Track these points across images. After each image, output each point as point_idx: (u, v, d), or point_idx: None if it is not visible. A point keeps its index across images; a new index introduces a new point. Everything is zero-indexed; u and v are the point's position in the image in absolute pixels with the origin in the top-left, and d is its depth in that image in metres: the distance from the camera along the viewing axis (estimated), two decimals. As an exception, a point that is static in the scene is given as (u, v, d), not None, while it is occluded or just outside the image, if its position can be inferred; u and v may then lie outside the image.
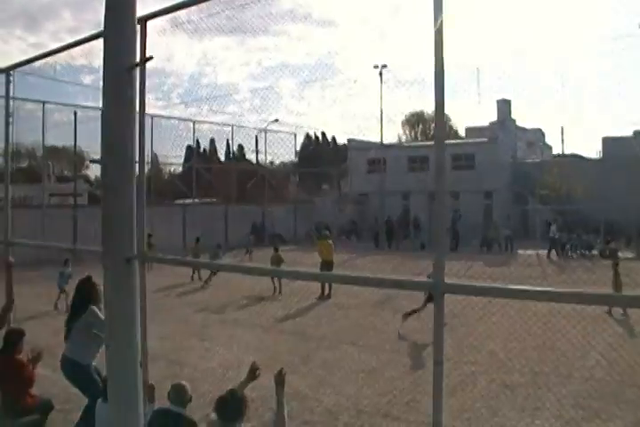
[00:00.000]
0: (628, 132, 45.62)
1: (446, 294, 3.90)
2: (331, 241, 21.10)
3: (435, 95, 3.96)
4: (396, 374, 10.32)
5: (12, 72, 6.24)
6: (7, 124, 8.72)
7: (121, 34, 2.79)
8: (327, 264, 19.79)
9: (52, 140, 42.73)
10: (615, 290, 15.29)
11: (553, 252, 31.77)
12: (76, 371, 6.99)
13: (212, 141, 61.72)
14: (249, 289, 18.78)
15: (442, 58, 3.83)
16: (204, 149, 66.48)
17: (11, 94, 7.45)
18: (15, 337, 6.94)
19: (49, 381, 8.32)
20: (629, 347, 11.70)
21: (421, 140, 69.65)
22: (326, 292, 19.15)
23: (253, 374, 5.47)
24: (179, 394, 5.91)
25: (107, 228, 2.84)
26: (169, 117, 39.16)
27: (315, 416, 8.40)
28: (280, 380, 5.18)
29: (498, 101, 49.18)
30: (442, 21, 3.72)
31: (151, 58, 2.81)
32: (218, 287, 20.53)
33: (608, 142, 44.77)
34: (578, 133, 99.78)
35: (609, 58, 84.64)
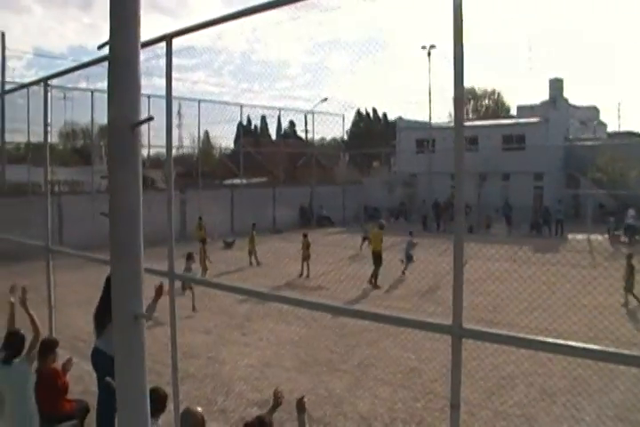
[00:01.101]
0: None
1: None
2: (382, 230, 21.04)
3: (454, 81, 3.92)
4: (433, 376, 10.31)
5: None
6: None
7: (124, 90, 2.79)
8: (376, 254, 19.90)
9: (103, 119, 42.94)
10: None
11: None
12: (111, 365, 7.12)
13: (264, 118, 61.86)
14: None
15: (461, 37, 3.74)
16: (255, 127, 66.81)
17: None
18: (49, 347, 7.08)
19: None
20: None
21: (472, 119, 68.55)
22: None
23: (277, 401, 5.47)
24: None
25: (116, 286, 2.90)
26: (215, 102, 39.15)
27: (348, 423, 8.45)
28: (301, 406, 5.20)
29: (550, 80, 48.26)
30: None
31: (152, 118, 2.80)
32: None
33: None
34: (636, 110, 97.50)
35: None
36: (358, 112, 75.60)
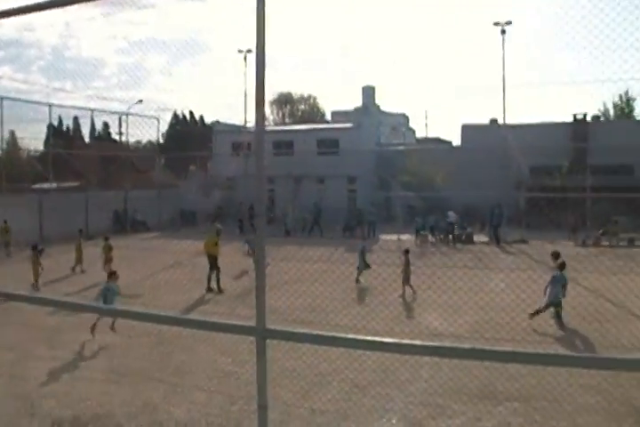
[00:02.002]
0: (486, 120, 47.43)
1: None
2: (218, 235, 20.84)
3: (256, 85, 3.95)
4: (248, 379, 10.32)
5: None
6: None
7: None
8: (212, 259, 19.71)
9: None
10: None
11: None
12: None
13: (76, 119, 59.40)
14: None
15: (263, 44, 3.79)
16: (68, 128, 64.03)
17: None
18: None
19: None
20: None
21: (289, 123, 69.66)
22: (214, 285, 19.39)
23: None
24: None
25: None
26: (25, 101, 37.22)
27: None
28: None
29: (363, 88, 50.07)
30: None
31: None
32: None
33: (467, 130, 46.29)
34: (441, 118, 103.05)
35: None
36: (175, 115, 74.66)
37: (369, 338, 3.66)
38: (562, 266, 14.97)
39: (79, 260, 22.90)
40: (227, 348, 11.62)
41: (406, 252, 18.54)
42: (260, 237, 4.00)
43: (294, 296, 15.29)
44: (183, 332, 12.55)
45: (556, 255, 16.00)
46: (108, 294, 13.67)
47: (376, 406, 8.93)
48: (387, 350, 4.10)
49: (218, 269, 19.45)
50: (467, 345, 4.01)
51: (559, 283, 14.35)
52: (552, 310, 14.43)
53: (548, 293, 14.36)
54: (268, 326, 3.90)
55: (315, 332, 3.92)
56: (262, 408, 3.92)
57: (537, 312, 14.14)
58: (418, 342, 3.76)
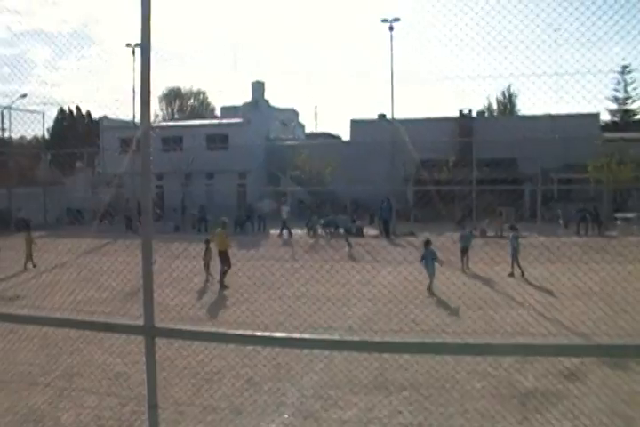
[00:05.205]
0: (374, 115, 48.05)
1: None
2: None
3: (141, 83, 3.89)
4: (139, 379, 10.13)
5: None
6: None
7: None
8: (222, 254, 19.63)
9: None
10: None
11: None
12: None
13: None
14: None
15: (149, 42, 3.73)
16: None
17: None
18: None
19: None
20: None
21: (178, 118, 68.75)
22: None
23: None
24: None
25: None
26: None
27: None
28: None
29: (252, 83, 49.93)
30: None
31: None
32: None
33: (356, 124, 46.85)
34: (330, 113, 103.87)
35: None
36: (61, 110, 72.19)
37: (259, 334, 3.66)
38: (427, 243, 18.12)
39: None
40: (117, 349, 11.38)
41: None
42: (146, 234, 3.93)
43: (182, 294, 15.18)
44: (71, 334, 12.25)
45: (427, 242, 18.33)
46: None
47: (269, 401, 8.94)
48: (277, 345, 4.10)
49: (229, 263, 19.35)
50: (357, 338, 4.07)
51: (431, 258, 17.74)
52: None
53: (426, 267, 17.67)
54: (157, 325, 3.84)
55: (204, 329, 3.90)
56: (152, 408, 3.88)
57: (429, 287, 17.31)
58: (307, 336, 3.80)
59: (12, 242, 21.20)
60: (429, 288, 17.33)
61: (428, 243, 18.14)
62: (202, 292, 17.84)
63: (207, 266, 19.82)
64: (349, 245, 26.90)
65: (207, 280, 19.61)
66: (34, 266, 22.99)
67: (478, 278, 19.00)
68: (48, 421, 8.48)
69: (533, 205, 39.00)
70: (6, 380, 10.38)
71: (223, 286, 18.86)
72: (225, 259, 19.39)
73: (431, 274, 17.56)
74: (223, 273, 19.17)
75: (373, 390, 9.35)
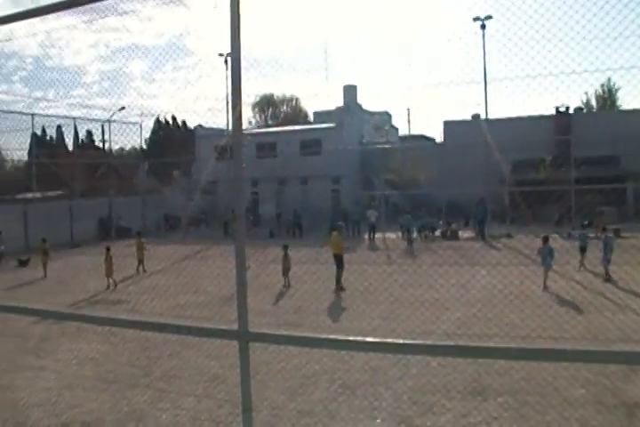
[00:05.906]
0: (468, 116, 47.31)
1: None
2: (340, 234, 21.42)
3: (232, 88, 3.95)
4: (236, 381, 10.26)
5: None
6: None
7: None
8: (338, 258, 19.98)
9: None
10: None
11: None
12: None
13: (59, 128, 58.87)
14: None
15: (239, 48, 3.78)
16: (51, 137, 63.54)
17: None
18: None
19: None
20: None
21: (271, 125, 69.57)
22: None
23: None
24: None
25: None
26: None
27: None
28: None
29: (344, 87, 50.04)
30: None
31: None
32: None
33: (449, 126, 46.23)
34: (424, 115, 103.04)
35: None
36: (157, 120, 74.12)
37: (352, 338, 3.66)
38: (545, 239, 18.60)
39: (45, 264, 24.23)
40: (214, 352, 11.59)
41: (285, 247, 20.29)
42: (239, 240, 4.00)
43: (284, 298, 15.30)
44: (169, 337, 12.58)
45: (546, 238, 18.70)
46: None
47: (364, 406, 8.94)
48: (370, 350, 4.09)
49: (343, 267, 19.69)
50: (451, 342, 4.03)
51: (548, 254, 18.20)
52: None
53: (543, 262, 18.32)
54: (251, 330, 3.91)
55: (298, 334, 3.93)
56: (247, 411, 3.95)
57: (545, 283, 18.06)
58: (400, 341, 3.77)
59: (114, 249, 21.83)
60: (544, 284, 18.04)
61: (546, 239, 18.63)
62: (279, 296, 17.93)
63: (286, 272, 19.98)
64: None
65: (284, 285, 19.69)
66: (144, 271, 23.62)
67: (588, 280, 18.63)
68: (150, 420, 8.74)
69: (637, 203, 37.59)
70: (110, 380, 10.76)
71: (340, 288, 19.04)
72: (340, 262, 19.58)
73: (547, 269, 18.25)
74: (339, 277, 19.34)
75: (468, 395, 9.22)
